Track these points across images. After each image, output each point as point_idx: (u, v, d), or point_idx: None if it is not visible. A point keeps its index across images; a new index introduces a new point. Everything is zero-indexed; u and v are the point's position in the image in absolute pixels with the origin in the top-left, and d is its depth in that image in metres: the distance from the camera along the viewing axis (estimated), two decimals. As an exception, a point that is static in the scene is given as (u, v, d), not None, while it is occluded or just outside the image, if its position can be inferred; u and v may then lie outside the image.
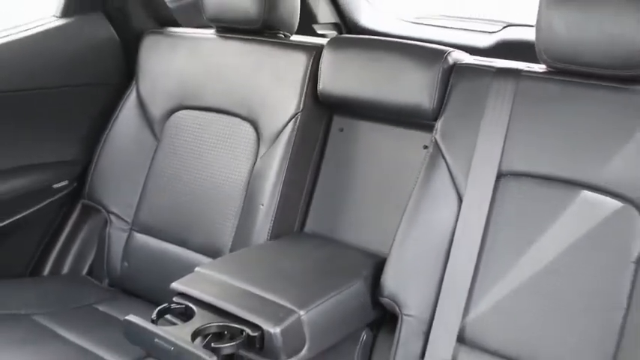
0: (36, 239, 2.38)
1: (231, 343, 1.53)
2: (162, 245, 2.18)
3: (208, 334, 1.56)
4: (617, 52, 1.59)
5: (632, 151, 1.59)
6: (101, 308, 2.13)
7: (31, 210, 2.29)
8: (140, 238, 2.23)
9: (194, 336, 1.52)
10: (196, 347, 1.47)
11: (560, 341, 1.60)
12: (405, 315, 1.75)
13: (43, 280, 2.36)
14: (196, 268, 1.77)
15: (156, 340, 1.49)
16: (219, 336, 1.57)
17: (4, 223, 2.22)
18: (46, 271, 2.40)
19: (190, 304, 1.64)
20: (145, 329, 1.52)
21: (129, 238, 2.25)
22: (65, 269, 2.41)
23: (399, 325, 1.76)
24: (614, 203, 1.59)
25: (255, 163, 2.06)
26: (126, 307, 1.91)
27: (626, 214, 1.57)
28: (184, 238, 2.14)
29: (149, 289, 2.16)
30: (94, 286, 2.30)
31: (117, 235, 2.27)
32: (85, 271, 2.41)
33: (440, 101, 1.86)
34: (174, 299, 1.67)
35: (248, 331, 1.55)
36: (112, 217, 2.29)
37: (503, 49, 2.54)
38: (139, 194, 2.26)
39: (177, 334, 1.50)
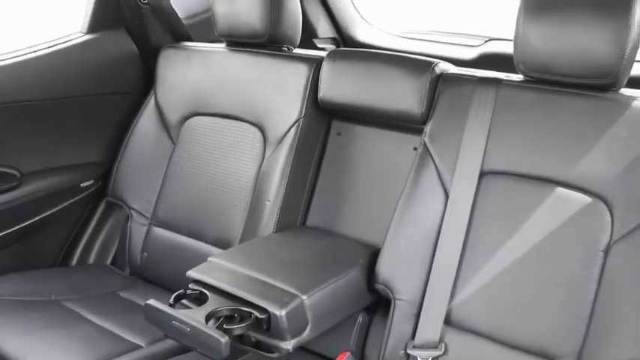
0: (65, 233, 2.39)
1: (242, 325, 1.54)
2: (178, 238, 2.18)
3: (220, 317, 1.56)
4: (586, 63, 1.60)
5: (601, 152, 1.59)
6: (123, 295, 2.14)
7: (61, 206, 2.30)
8: (158, 231, 2.23)
9: (208, 318, 1.53)
10: (210, 328, 1.48)
11: (536, 322, 1.60)
12: (398, 299, 1.75)
13: (71, 270, 2.37)
14: (209, 258, 1.78)
15: (173, 322, 1.50)
16: (230, 319, 1.57)
17: (37, 218, 2.23)
18: (74, 261, 2.40)
19: (204, 290, 1.64)
20: (163, 312, 1.53)
21: (148, 231, 2.25)
22: (91, 260, 2.42)
23: (392, 309, 1.76)
24: (585, 198, 1.59)
25: (261, 164, 2.06)
26: (145, 294, 1.92)
27: (595, 208, 1.58)
28: (198, 232, 2.14)
29: (166, 278, 2.17)
30: (116, 274, 2.30)
31: (137, 229, 2.27)
32: (108, 261, 2.42)
33: (428, 107, 1.86)
34: (190, 286, 1.68)
35: (256, 313, 1.55)
36: (133, 213, 2.30)
37: (486, 61, 2.53)
38: (157, 192, 2.27)
39: (192, 316, 1.51)
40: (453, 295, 1.69)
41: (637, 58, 1.61)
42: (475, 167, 1.72)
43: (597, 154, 1.59)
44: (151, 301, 1.56)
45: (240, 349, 1.62)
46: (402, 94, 1.90)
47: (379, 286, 1.78)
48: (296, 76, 2.07)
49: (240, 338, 1.61)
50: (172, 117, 2.29)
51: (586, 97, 1.64)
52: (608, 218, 1.56)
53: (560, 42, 1.60)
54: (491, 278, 1.66)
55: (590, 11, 1.57)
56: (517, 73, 1.74)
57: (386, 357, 1.75)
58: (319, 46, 2.79)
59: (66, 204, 2.31)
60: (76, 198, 2.34)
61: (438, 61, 1.92)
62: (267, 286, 1.64)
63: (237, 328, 1.53)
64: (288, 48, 2.21)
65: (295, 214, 2.07)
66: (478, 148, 1.72)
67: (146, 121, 2.35)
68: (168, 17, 2.43)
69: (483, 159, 1.72)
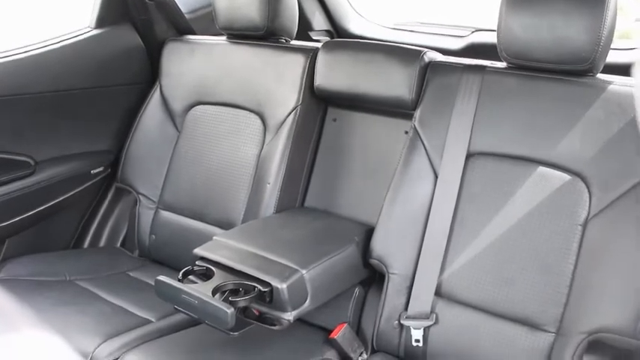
0: (77, 217, 2.41)
1: (246, 297, 1.56)
2: (184, 220, 2.20)
3: (226, 291, 1.58)
4: (564, 50, 1.62)
5: (579, 132, 1.61)
6: (132, 274, 2.17)
7: (73, 192, 2.31)
8: (165, 214, 2.25)
9: (214, 292, 1.55)
10: (216, 300, 1.50)
11: (520, 293, 1.62)
12: (391, 274, 1.78)
13: (84, 252, 2.40)
14: (214, 237, 1.79)
15: (183, 295, 1.53)
16: (235, 292, 1.59)
17: (51, 203, 2.25)
18: (86, 243, 2.43)
19: (210, 267, 1.66)
20: (173, 287, 1.56)
21: (155, 214, 2.27)
22: (102, 242, 2.44)
23: (385, 283, 1.78)
24: (564, 176, 1.62)
25: (262, 149, 2.08)
26: (154, 273, 1.90)
27: (574, 186, 1.60)
28: (202, 214, 2.16)
29: (173, 258, 2.19)
30: (126, 256, 2.32)
31: (145, 213, 2.29)
32: (118, 243, 2.44)
33: (418, 93, 1.87)
34: (197, 263, 1.70)
35: (259, 287, 1.57)
36: (141, 198, 2.31)
37: (473, 50, 2.54)
38: (163, 177, 2.28)
39: (200, 290, 1.54)
40: (442, 269, 1.71)
41: (612, 46, 1.65)
42: (462, 149, 1.74)
43: (576, 134, 1.61)
44: (161, 277, 1.58)
45: (244, 321, 1.64)
46: (393, 82, 1.92)
47: (374, 262, 1.81)
48: (293, 65, 2.08)
49: (244, 311, 1.64)
50: (177, 106, 2.30)
51: (565, 82, 1.67)
52: (586, 195, 1.59)
53: (540, 30, 1.63)
54: (478, 252, 1.68)
55: (568, 1, 1.61)
56: (501, 61, 1.78)
57: (381, 327, 1.78)
58: (314, 38, 2.79)
59: (78, 190, 2.33)
60: (87, 184, 2.35)
61: (427, 50, 1.94)
62: (269, 262, 1.66)
63: (242, 300, 1.55)
64: (285, 40, 2.22)
65: (294, 196, 2.09)
66: (465, 131, 1.74)
67: (152, 111, 2.36)
68: (171, 12, 2.43)
69: (470, 141, 1.74)
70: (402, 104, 1.92)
